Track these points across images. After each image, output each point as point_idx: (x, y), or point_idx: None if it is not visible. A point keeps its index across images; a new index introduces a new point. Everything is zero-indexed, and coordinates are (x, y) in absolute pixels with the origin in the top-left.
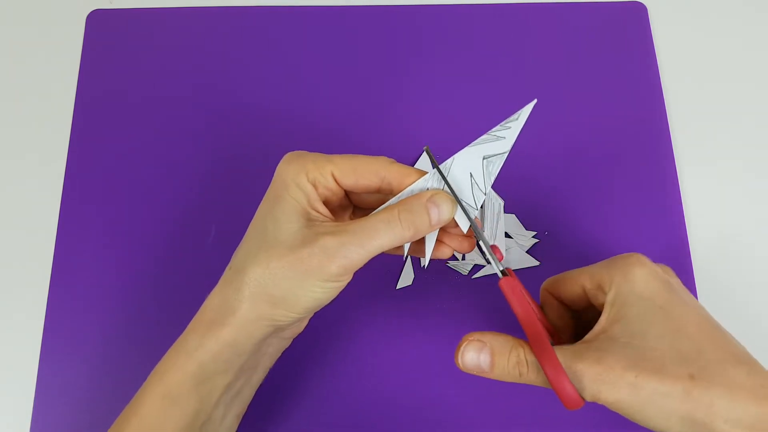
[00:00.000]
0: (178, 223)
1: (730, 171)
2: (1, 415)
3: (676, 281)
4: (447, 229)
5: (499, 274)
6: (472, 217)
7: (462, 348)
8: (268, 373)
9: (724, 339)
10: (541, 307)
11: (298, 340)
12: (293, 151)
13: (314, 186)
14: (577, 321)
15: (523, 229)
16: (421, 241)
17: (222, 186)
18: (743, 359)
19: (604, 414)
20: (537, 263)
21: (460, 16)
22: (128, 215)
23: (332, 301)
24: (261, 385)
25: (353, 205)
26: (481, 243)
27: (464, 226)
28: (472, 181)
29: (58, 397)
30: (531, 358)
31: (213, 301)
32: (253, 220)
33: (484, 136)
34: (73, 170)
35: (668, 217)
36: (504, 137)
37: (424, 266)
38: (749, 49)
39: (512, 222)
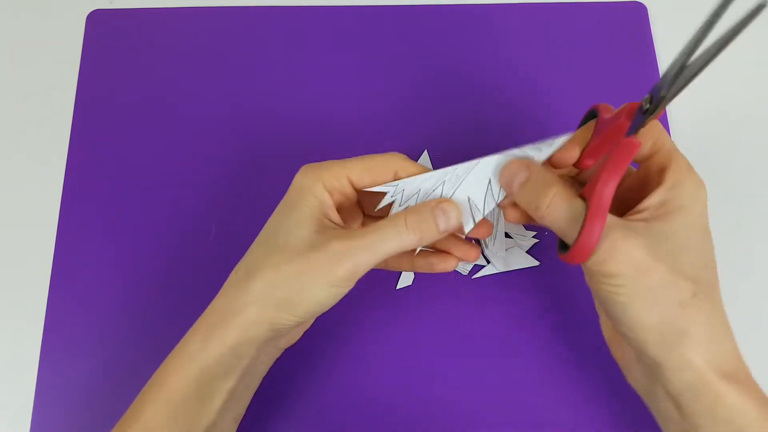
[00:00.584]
0: (178, 223)
1: (730, 171)
2: (1, 415)
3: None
4: (454, 236)
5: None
6: (477, 219)
7: (507, 166)
8: (268, 373)
9: (717, 277)
10: None
11: (298, 340)
12: (308, 164)
13: (330, 193)
14: None
15: (523, 229)
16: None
17: (222, 186)
18: (722, 304)
19: (605, 414)
20: (537, 263)
21: (460, 16)
22: (128, 215)
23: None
24: (260, 385)
25: (364, 215)
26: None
27: (467, 227)
28: (489, 187)
29: (58, 397)
30: (563, 192)
31: (216, 304)
32: (264, 227)
33: (515, 151)
34: (73, 170)
35: None
36: (532, 157)
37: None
38: (749, 49)
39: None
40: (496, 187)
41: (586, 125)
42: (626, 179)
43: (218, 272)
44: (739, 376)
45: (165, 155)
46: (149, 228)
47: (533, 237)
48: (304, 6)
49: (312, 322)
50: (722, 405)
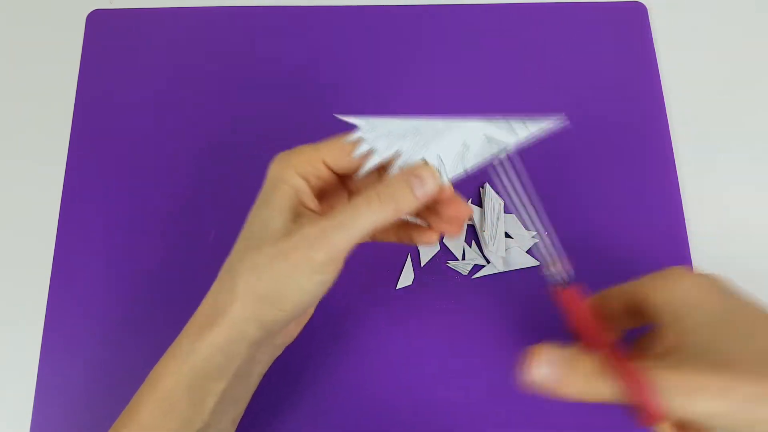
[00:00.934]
0: (178, 223)
1: (730, 171)
2: (1, 415)
3: (721, 283)
4: (438, 212)
5: (560, 283)
6: (446, 180)
7: (533, 363)
8: (266, 374)
9: None
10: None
11: (297, 340)
12: (284, 151)
13: (306, 179)
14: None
15: (523, 229)
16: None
17: (222, 186)
18: None
19: (605, 414)
20: (537, 263)
21: (460, 16)
22: (128, 215)
23: (332, 300)
24: (259, 386)
25: (350, 193)
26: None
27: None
28: (464, 151)
29: (58, 397)
30: (605, 370)
31: (204, 306)
32: (245, 223)
33: (499, 119)
34: (73, 170)
35: (668, 217)
36: (516, 132)
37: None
38: (749, 49)
39: (512, 222)
40: (469, 155)
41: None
42: (608, 306)
43: (217, 273)
44: None
45: (165, 155)
46: (149, 228)
47: (533, 237)
48: (304, 6)
49: (309, 316)
50: None
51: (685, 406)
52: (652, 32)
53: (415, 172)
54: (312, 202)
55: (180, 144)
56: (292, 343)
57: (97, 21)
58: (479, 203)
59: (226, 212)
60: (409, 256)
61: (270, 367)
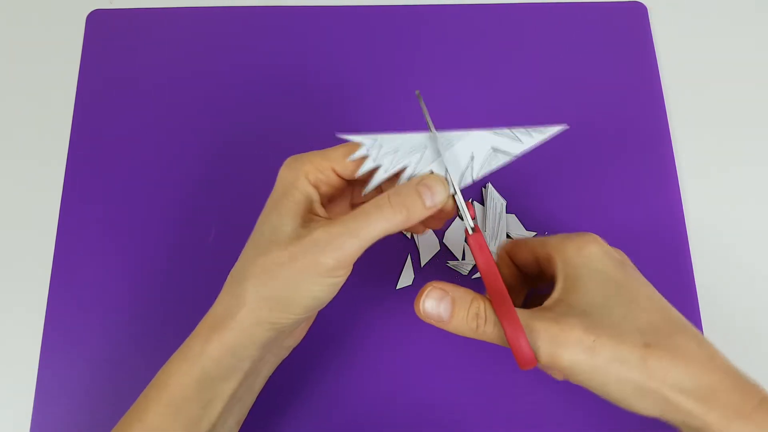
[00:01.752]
0: (178, 222)
1: (731, 171)
2: (1, 415)
3: (629, 262)
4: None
5: (470, 230)
6: (453, 191)
7: (424, 295)
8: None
9: (674, 314)
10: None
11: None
12: (293, 155)
13: (316, 186)
14: (526, 288)
15: (524, 229)
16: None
17: (222, 186)
18: (692, 333)
19: (605, 415)
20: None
21: (460, 16)
22: (128, 215)
23: (332, 300)
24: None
25: (352, 198)
26: (457, 197)
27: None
28: (471, 163)
29: (58, 397)
30: (490, 312)
31: (216, 308)
32: (254, 228)
33: (505, 130)
34: (73, 170)
35: (668, 219)
36: (521, 142)
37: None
38: (749, 49)
39: (512, 222)
40: (476, 165)
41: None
42: (520, 255)
43: (218, 273)
44: (745, 409)
45: (165, 155)
46: (149, 228)
47: (534, 237)
48: (304, 6)
49: (315, 316)
50: None
51: (553, 356)
52: (652, 32)
53: (425, 182)
54: (321, 210)
55: (180, 144)
56: None
57: (97, 21)
58: (481, 202)
59: (226, 212)
60: (409, 256)
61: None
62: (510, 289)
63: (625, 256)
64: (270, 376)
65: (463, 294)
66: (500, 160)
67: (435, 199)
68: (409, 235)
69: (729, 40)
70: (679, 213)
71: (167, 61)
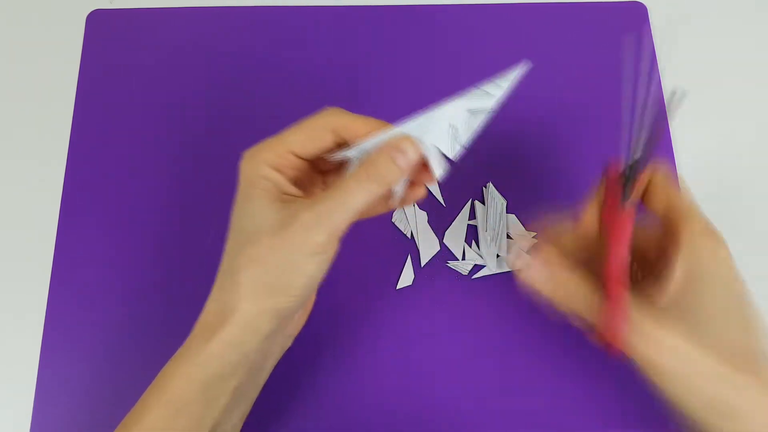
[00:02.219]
0: (178, 223)
1: (730, 171)
2: (1, 415)
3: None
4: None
5: (626, 202)
6: (444, 167)
7: (530, 264)
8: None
9: (760, 334)
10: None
11: (297, 340)
12: (248, 149)
13: (279, 171)
14: None
15: (524, 229)
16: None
17: (222, 186)
18: None
19: (606, 414)
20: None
21: (459, 16)
22: (128, 215)
23: (332, 300)
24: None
25: (322, 174)
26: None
27: (438, 172)
28: (452, 131)
29: (58, 397)
30: (593, 291)
31: (210, 306)
32: (230, 225)
33: (472, 90)
34: (73, 170)
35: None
36: (492, 94)
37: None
38: (749, 49)
39: (512, 222)
40: (460, 132)
41: (597, 189)
42: (641, 237)
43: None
44: None
45: (165, 155)
46: (149, 228)
47: (533, 237)
48: (304, 6)
49: (312, 303)
50: None
51: (648, 352)
52: (652, 32)
53: (394, 144)
54: (293, 189)
55: (180, 144)
56: (293, 342)
57: (97, 21)
58: (482, 201)
59: (225, 212)
60: (409, 256)
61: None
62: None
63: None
64: (271, 375)
65: (568, 274)
66: (479, 119)
67: (409, 160)
68: (409, 235)
69: (729, 40)
70: None
71: (167, 61)
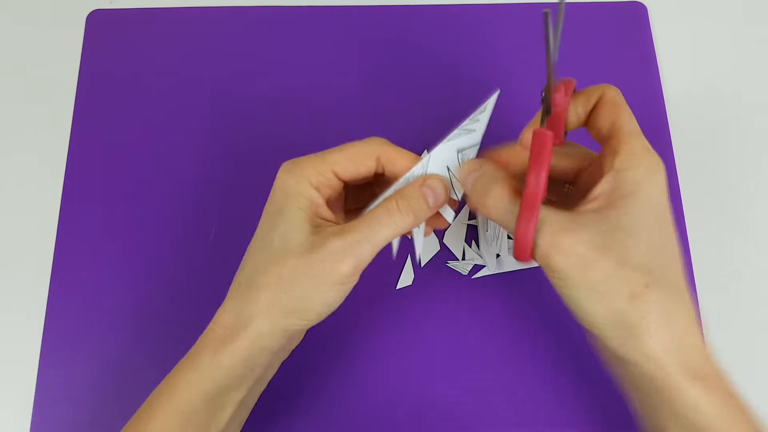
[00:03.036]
0: (178, 223)
1: (731, 171)
2: (1, 415)
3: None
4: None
5: (543, 119)
6: (456, 197)
7: (468, 167)
8: None
9: (682, 269)
10: None
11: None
12: (290, 160)
13: (318, 189)
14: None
15: None
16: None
17: (222, 186)
18: (688, 295)
19: (606, 413)
20: (537, 264)
21: (460, 16)
22: (128, 215)
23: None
24: None
25: (345, 196)
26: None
27: (458, 195)
28: (450, 174)
29: (58, 397)
30: (507, 191)
31: (224, 317)
32: (256, 234)
33: (455, 131)
34: (73, 170)
35: None
36: (474, 129)
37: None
38: (749, 49)
39: None
40: (457, 172)
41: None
42: (589, 166)
43: (218, 273)
44: (705, 372)
45: (165, 155)
46: (149, 228)
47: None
48: (304, 6)
49: None
50: (683, 402)
51: (548, 253)
52: (652, 32)
53: (427, 183)
54: (327, 213)
55: (180, 143)
56: None
57: (97, 21)
58: None
59: (226, 212)
60: (409, 256)
61: None
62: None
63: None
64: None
65: (492, 169)
66: (472, 154)
67: (437, 199)
68: (409, 236)
69: (729, 40)
70: (679, 212)
71: (167, 61)
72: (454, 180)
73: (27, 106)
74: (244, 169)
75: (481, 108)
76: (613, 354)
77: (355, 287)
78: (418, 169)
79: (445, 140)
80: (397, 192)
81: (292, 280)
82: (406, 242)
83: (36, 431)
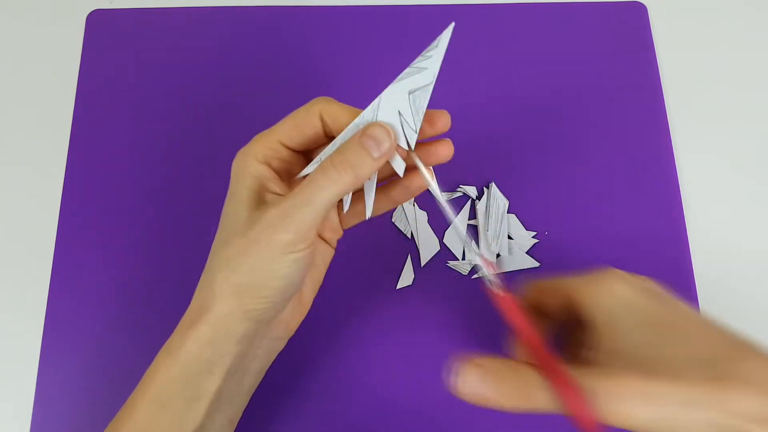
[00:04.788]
0: (178, 223)
1: (730, 170)
2: (1, 415)
3: (660, 290)
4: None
5: (492, 286)
6: (416, 128)
7: (460, 375)
8: (266, 374)
9: (731, 336)
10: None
11: (295, 340)
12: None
13: (267, 164)
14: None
15: (524, 229)
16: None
17: (222, 185)
18: (753, 351)
19: None
20: (537, 264)
21: (460, 16)
22: (128, 215)
23: (332, 300)
24: (258, 386)
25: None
26: (441, 206)
27: (411, 139)
28: (402, 119)
29: (58, 397)
30: (538, 380)
31: (193, 303)
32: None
33: (406, 70)
34: (73, 170)
35: (668, 218)
36: (426, 68)
37: (367, 218)
38: (749, 49)
39: (513, 222)
40: (409, 116)
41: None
42: (549, 302)
43: None
44: None
45: (165, 155)
46: (149, 229)
47: (533, 237)
48: (303, 6)
49: (308, 307)
50: None
51: (619, 413)
52: (652, 32)
53: (367, 132)
54: (278, 186)
55: (180, 143)
56: (292, 342)
57: (97, 21)
58: (479, 200)
59: None
60: (409, 256)
61: (269, 366)
62: None
63: (654, 284)
64: (266, 374)
65: (504, 367)
66: (425, 96)
67: (382, 149)
68: (409, 235)
69: (729, 40)
70: (680, 212)
71: (167, 61)
72: (406, 126)
73: (27, 106)
74: None
75: (434, 44)
76: None
77: (355, 287)
78: (368, 114)
79: (395, 81)
80: (337, 149)
81: (239, 259)
82: (407, 242)
83: (36, 431)
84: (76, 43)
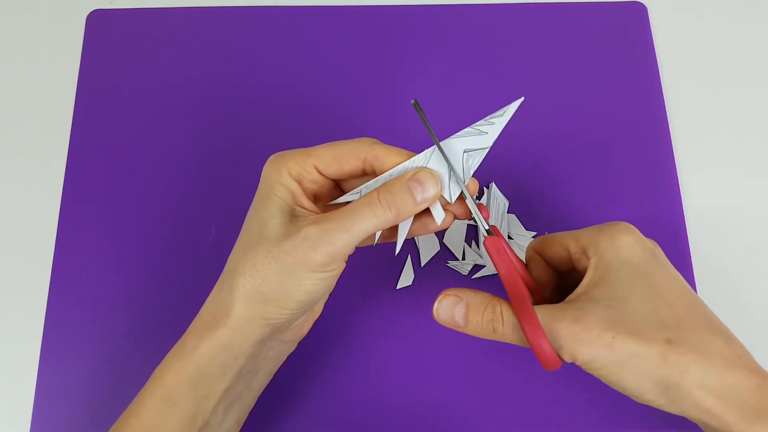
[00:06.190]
0: (178, 222)
1: (730, 170)
2: (1, 415)
3: (661, 253)
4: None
5: (485, 233)
6: (465, 181)
7: (438, 301)
8: None
9: (703, 310)
10: (527, 266)
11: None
12: (276, 152)
13: (299, 182)
14: (560, 281)
15: (524, 229)
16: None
17: (222, 186)
18: (720, 330)
19: (606, 412)
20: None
21: (460, 16)
22: (128, 215)
23: (332, 300)
24: None
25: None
26: (468, 202)
27: (454, 195)
28: (451, 173)
29: (58, 397)
30: (508, 314)
31: (210, 304)
32: (243, 225)
33: (467, 129)
34: (73, 170)
35: (669, 218)
36: (487, 132)
37: (396, 254)
38: (749, 49)
39: (513, 222)
40: (459, 172)
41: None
42: (551, 251)
43: (218, 272)
44: (763, 405)
45: (165, 155)
46: (149, 228)
47: (533, 237)
48: (303, 6)
49: (320, 312)
50: None
51: (573, 354)
52: (652, 32)
53: (416, 177)
54: (308, 204)
55: (180, 143)
56: None
57: (97, 21)
58: (478, 199)
59: (226, 210)
60: (409, 256)
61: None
62: (543, 286)
63: (658, 247)
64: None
65: (478, 298)
66: (478, 157)
67: (426, 195)
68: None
69: (729, 40)
70: (680, 212)
71: (167, 61)
72: (452, 181)
73: (27, 106)
74: (244, 168)
75: (499, 112)
76: (683, 416)
77: (355, 287)
78: (418, 160)
79: (454, 136)
80: (384, 184)
81: (267, 267)
82: (407, 242)
83: (36, 431)
84: (76, 43)
